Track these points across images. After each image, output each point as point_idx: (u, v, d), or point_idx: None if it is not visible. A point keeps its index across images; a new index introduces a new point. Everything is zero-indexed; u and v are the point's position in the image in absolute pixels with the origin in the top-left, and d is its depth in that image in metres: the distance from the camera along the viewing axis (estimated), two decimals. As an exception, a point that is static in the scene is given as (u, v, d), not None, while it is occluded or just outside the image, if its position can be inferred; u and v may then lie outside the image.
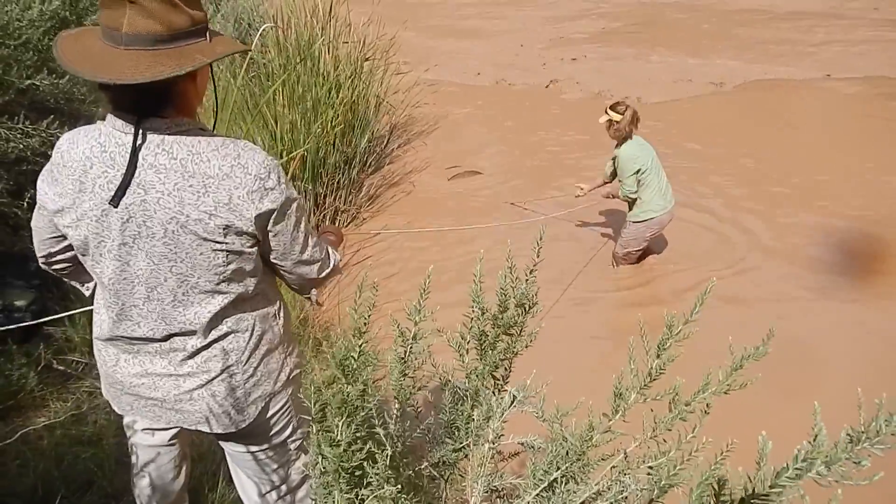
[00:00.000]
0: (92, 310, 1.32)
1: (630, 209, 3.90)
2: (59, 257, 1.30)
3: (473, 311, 0.95)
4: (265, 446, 1.41)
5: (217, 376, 1.25)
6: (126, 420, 1.43)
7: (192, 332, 1.21)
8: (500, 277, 0.95)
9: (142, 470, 1.47)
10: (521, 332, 0.94)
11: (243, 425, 1.31)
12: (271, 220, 1.17)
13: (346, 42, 5.06)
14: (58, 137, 2.64)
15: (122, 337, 1.23)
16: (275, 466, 1.45)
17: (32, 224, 1.27)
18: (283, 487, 1.49)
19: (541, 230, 0.94)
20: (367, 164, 5.36)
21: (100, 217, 1.11)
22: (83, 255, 1.20)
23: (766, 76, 7.89)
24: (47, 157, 2.95)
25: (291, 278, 1.32)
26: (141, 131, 1.08)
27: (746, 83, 7.71)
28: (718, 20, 10.95)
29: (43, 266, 1.35)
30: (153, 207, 1.09)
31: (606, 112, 3.73)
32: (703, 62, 8.64)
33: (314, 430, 0.96)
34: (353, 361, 0.86)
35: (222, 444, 1.44)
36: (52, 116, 2.70)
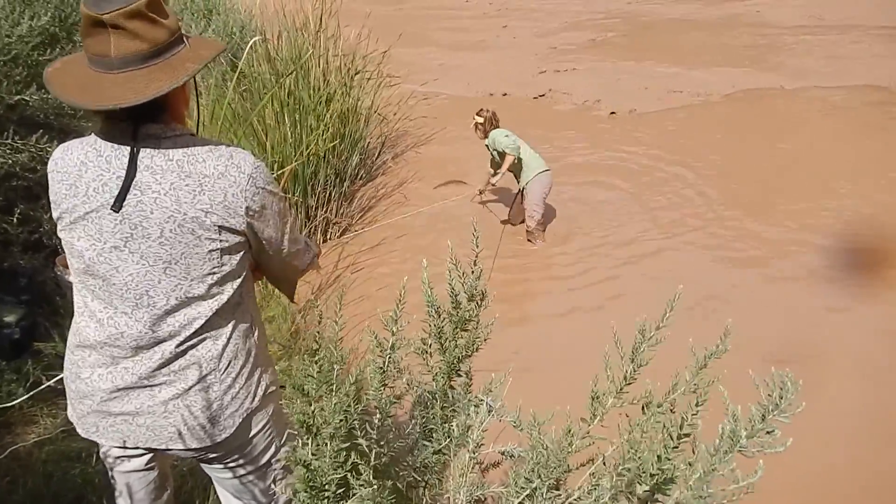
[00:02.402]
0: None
1: (518, 182, 4.82)
2: None
3: (430, 313, 0.98)
4: (249, 468, 1.37)
5: (194, 385, 1.21)
6: (102, 448, 1.40)
7: (175, 337, 1.19)
8: (447, 276, 0.98)
9: (121, 496, 1.44)
10: (476, 325, 0.96)
11: (219, 439, 1.27)
12: (259, 222, 1.20)
13: (337, 55, 5.09)
14: (47, 152, 2.67)
15: (105, 344, 1.20)
16: (261, 486, 1.41)
17: None
18: None
19: (474, 228, 0.98)
20: (359, 175, 5.38)
21: (94, 220, 1.13)
22: (73, 260, 1.18)
23: (753, 85, 7.98)
24: (36, 173, 2.94)
25: (274, 276, 1.36)
26: (137, 136, 1.12)
27: (735, 92, 7.80)
28: (705, 31, 11.08)
29: None
30: (150, 207, 1.11)
31: (473, 118, 4.91)
32: (692, 72, 8.73)
33: (291, 450, 0.96)
34: (311, 381, 0.87)
35: (204, 467, 1.40)
36: (41, 131, 2.69)
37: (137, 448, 1.36)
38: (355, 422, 0.89)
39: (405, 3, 14.51)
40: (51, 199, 1.18)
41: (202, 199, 1.12)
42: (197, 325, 1.19)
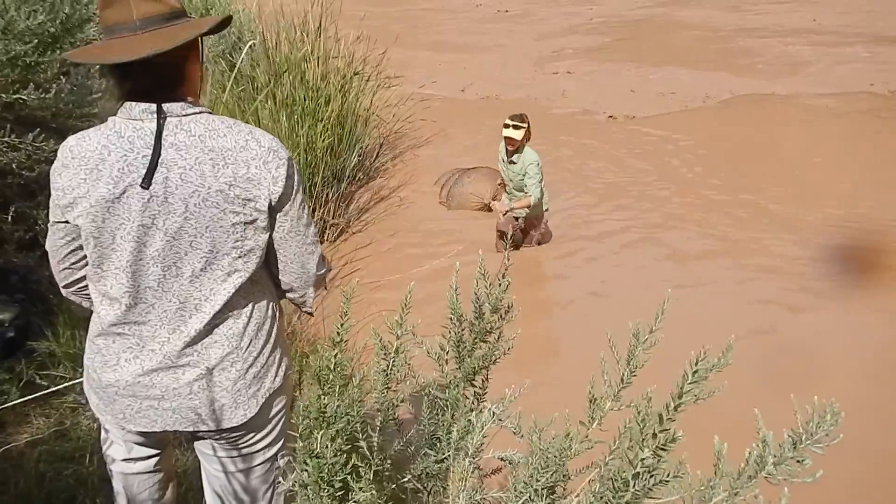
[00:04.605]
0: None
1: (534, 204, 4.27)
2: (79, 274, 1.29)
3: (451, 319, 0.97)
4: (260, 458, 1.37)
5: (216, 365, 1.24)
6: (106, 450, 1.40)
7: (200, 312, 1.21)
8: (473, 285, 0.98)
9: (121, 497, 1.43)
10: (498, 338, 0.96)
11: (244, 419, 1.28)
12: (283, 194, 1.21)
13: (336, 56, 5.09)
14: (44, 151, 2.65)
15: (134, 323, 1.21)
16: (262, 489, 1.40)
17: (48, 247, 1.26)
18: None
19: (508, 235, 0.96)
20: (357, 177, 5.38)
21: (120, 199, 1.14)
22: (94, 246, 1.18)
23: (748, 91, 8.02)
24: (33, 171, 2.93)
25: (292, 268, 1.30)
26: (160, 114, 1.15)
27: (732, 98, 7.83)
28: (703, 36, 11.13)
29: (67, 294, 1.34)
30: (175, 183, 1.14)
31: (515, 127, 4.09)
32: (689, 77, 8.77)
33: (299, 445, 0.96)
34: (328, 373, 0.87)
35: (208, 464, 1.39)
36: (38, 130, 2.69)
37: (144, 448, 1.37)
38: (357, 424, 0.88)
39: (402, 4, 14.53)
40: (60, 186, 1.17)
41: (225, 172, 1.15)
42: (220, 300, 1.21)
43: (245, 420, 1.28)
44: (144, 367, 1.23)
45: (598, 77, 9.01)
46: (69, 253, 1.25)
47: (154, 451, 1.40)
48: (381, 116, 5.83)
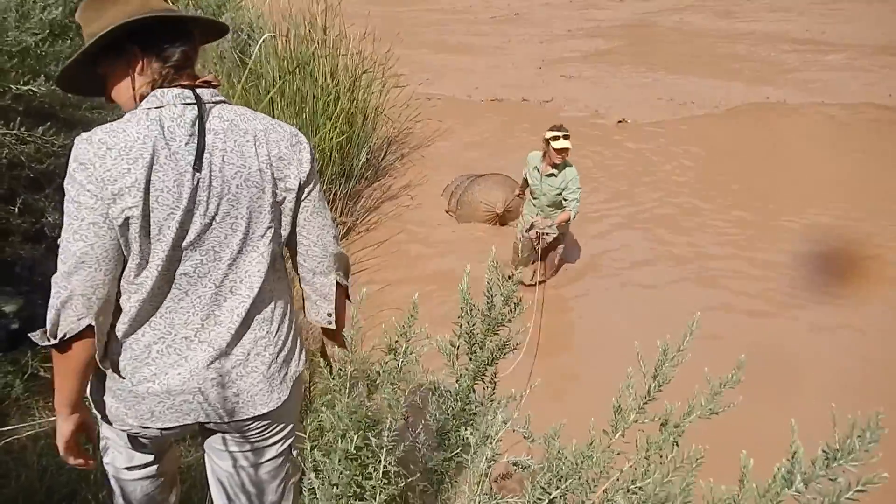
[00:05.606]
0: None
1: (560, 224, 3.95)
2: (115, 288, 1.15)
3: (463, 310, 0.96)
4: (274, 453, 1.35)
5: (252, 349, 1.25)
6: (104, 458, 1.37)
7: (235, 295, 1.21)
8: (486, 275, 0.97)
9: (123, 500, 1.41)
10: (508, 331, 0.95)
11: (279, 403, 1.29)
12: (308, 174, 1.26)
13: (345, 55, 5.09)
14: (53, 144, 2.65)
15: (164, 312, 1.17)
16: (273, 483, 1.38)
17: (88, 261, 1.09)
18: None
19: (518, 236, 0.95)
20: (365, 176, 5.37)
21: (170, 188, 1.12)
22: (143, 238, 1.12)
23: (757, 99, 7.99)
24: (42, 163, 2.91)
25: (315, 251, 1.31)
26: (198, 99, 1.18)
27: (739, 106, 7.80)
28: (709, 42, 11.10)
29: (87, 323, 1.11)
30: (218, 166, 1.16)
31: (565, 137, 3.73)
32: (695, 83, 8.74)
33: (308, 446, 0.95)
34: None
35: (219, 460, 1.36)
36: (48, 123, 2.68)
37: (145, 456, 1.35)
38: (368, 422, 0.87)
39: (407, 5, 14.54)
40: (99, 176, 1.08)
41: (261, 152, 1.20)
42: (251, 282, 1.23)
43: (280, 403, 1.29)
44: (181, 358, 1.19)
45: (602, 81, 8.99)
46: (117, 255, 1.12)
47: (155, 458, 1.37)
48: (389, 115, 5.83)
